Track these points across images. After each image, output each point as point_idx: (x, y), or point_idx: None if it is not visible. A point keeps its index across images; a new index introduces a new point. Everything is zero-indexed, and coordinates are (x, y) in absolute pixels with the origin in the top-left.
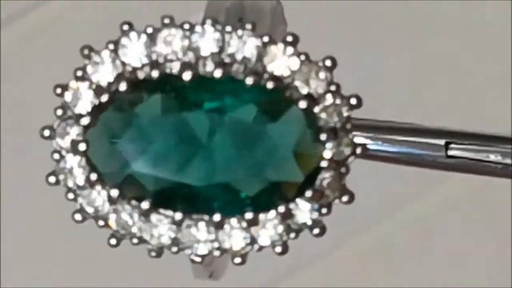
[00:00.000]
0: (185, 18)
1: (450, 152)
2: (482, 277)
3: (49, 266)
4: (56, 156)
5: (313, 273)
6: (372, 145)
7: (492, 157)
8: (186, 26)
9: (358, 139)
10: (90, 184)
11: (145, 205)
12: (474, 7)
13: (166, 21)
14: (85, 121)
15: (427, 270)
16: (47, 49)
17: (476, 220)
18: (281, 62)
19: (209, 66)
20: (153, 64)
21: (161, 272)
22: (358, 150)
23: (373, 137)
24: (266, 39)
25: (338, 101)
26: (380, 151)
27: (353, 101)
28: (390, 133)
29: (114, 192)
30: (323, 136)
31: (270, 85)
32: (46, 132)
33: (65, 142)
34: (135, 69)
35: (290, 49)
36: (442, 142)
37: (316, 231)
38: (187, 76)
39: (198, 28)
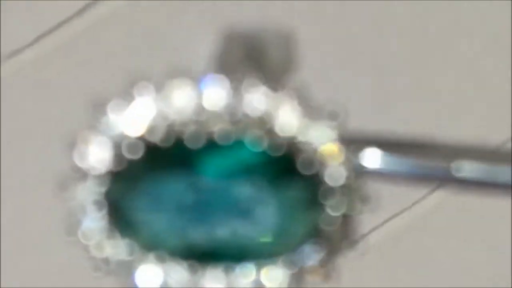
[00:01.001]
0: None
1: (459, 174)
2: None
3: (49, 265)
4: None
5: None
6: (381, 165)
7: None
8: (197, 88)
9: (370, 155)
10: None
11: None
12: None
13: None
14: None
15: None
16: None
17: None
18: (292, 125)
19: (219, 134)
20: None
21: None
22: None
23: (383, 155)
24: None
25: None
26: (389, 171)
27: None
28: (400, 152)
29: None
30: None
31: (277, 152)
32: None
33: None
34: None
35: (299, 111)
36: (451, 162)
37: None
38: (198, 144)
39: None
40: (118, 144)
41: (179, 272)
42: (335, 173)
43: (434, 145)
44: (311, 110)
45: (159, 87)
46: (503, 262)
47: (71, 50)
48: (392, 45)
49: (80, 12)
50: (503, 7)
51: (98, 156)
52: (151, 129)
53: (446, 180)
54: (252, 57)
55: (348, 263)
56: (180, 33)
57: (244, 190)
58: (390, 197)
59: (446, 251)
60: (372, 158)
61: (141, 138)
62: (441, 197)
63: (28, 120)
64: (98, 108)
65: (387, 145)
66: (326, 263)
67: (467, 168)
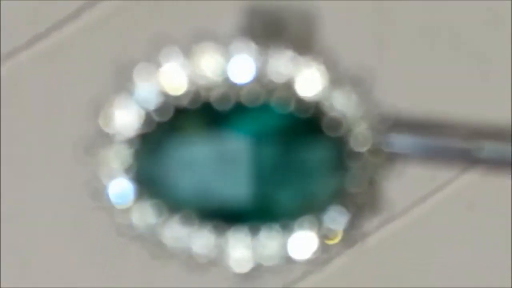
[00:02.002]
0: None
1: (480, 155)
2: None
3: (49, 266)
4: None
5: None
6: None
7: None
8: (224, 53)
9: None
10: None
11: None
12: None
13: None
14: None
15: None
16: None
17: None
18: (314, 89)
19: (246, 96)
20: (194, 93)
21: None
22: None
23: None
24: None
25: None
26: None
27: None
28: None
29: None
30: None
31: (302, 113)
32: None
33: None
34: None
35: (323, 76)
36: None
37: None
38: (226, 106)
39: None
40: (146, 107)
41: (204, 234)
42: (360, 136)
43: (455, 126)
44: (336, 75)
45: (186, 52)
46: (504, 261)
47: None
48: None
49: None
50: None
51: (125, 119)
52: (179, 92)
53: (468, 161)
54: (273, 33)
55: (351, 261)
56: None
57: (271, 151)
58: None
59: (447, 251)
60: (395, 140)
61: (169, 101)
62: (445, 195)
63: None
64: (124, 73)
65: (408, 126)
66: (351, 227)
67: (489, 149)
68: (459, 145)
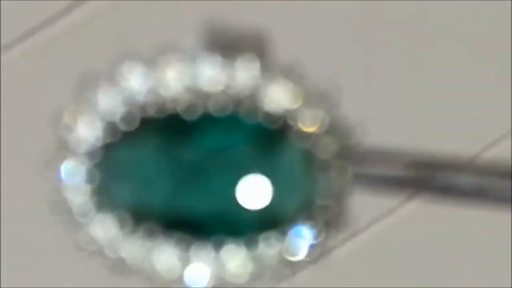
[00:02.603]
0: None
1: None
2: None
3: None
4: None
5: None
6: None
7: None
8: (189, 63)
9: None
10: None
11: None
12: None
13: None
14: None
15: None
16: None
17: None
18: (281, 101)
19: (214, 106)
20: (158, 104)
21: None
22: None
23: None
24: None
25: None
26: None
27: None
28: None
29: None
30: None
31: (270, 124)
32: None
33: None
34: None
35: (289, 87)
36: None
37: None
38: (194, 116)
39: (201, 65)
40: (111, 117)
41: (168, 247)
42: (327, 147)
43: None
44: (303, 89)
45: (150, 65)
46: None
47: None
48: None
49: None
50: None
51: (88, 128)
52: (145, 102)
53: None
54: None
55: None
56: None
57: (238, 161)
58: (364, 206)
59: (412, 264)
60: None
61: (135, 111)
62: (416, 206)
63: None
64: (88, 84)
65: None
66: (317, 242)
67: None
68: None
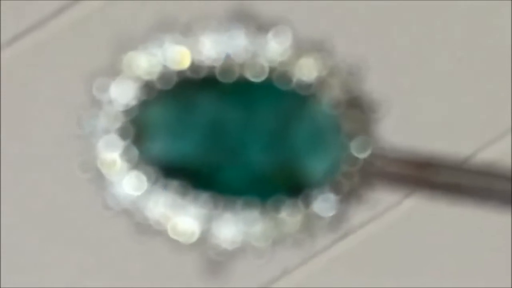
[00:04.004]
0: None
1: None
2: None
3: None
4: None
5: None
6: None
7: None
8: (223, 33)
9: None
10: None
11: None
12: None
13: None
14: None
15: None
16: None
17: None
18: (312, 71)
19: (249, 70)
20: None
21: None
22: None
23: None
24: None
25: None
26: None
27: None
28: None
29: None
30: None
31: (302, 91)
32: None
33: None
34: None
35: (319, 59)
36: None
37: None
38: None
39: (234, 34)
40: (148, 76)
41: (194, 206)
42: (353, 116)
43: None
44: (332, 61)
45: (186, 31)
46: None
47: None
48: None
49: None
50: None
51: (124, 87)
52: (183, 66)
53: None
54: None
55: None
56: None
57: (270, 125)
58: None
59: (417, 258)
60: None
61: (172, 71)
62: (412, 204)
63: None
64: (125, 46)
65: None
66: (339, 209)
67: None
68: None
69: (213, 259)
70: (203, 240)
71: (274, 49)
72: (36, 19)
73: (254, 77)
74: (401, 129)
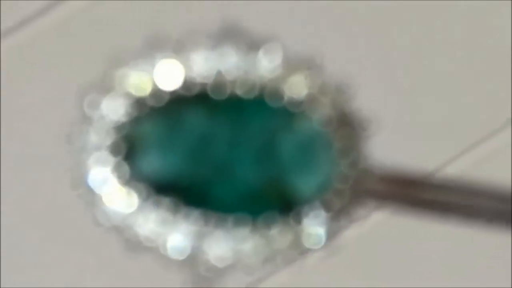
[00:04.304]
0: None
1: None
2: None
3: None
4: None
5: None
6: None
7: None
8: (214, 50)
9: None
10: None
11: None
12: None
13: (196, 43)
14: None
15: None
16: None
17: None
18: (302, 89)
19: (240, 88)
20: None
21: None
22: None
23: None
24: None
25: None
26: None
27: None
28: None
29: None
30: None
31: (293, 108)
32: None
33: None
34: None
35: (309, 76)
36: None
37: None
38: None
39: (225, 51)
40: (140, 93)
41: (184, 223)
42: (344, 134)
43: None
44: (322, 78)
45: (178, 48)
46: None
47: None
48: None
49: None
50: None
51: (115, 104)
52: (172, 81)
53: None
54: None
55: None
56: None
57: (260, 140)
58: None
59: (386, 269)
60: None
61: (164, 89)
62: (382, 217)
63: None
64: (117, 62)
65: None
66: (330, 226)
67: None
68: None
69: (203, 275)
70: (194, 257)
71: (265, 66)
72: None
73: (245, 94)
74: (400, 129)
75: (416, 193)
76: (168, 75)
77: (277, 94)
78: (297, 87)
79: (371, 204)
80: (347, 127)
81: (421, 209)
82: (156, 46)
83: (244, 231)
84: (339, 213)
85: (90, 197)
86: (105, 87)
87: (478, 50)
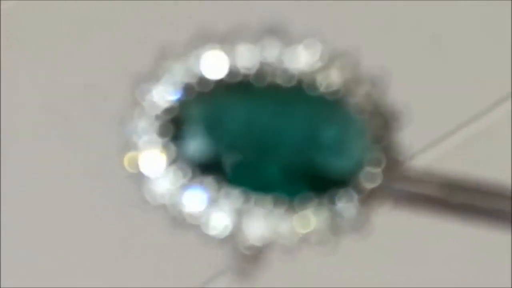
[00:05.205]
0: None
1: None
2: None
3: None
4: None
5: None
6: None
7: None
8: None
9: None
10: None
11: None
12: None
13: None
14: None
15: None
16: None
17: None
18: (338, 79)
19: (280, 78)
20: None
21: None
22: None
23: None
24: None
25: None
26: None
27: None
28: None
29: None
30: None
31: (329, 97)
32: None
33: None
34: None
35: (345, 68)
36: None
37: None
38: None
39: (268, 44)
40: (189, 79)
41: (231, 198)
42: (376, 121)
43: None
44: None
45: (222, 40)
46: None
47: None
48: None
49: None
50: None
51: (165, 90)
52: (217, 70)
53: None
54: None
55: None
56: None
57: (298, 125)
58: None
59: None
60: None
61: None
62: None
63: None
64: (167, 54)
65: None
66: (361, 210)
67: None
68: None
69: (243, 254)
70: (234, 236)
71: (304, 59)
72: None
73: (285, 83)
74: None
75: (446, 196)
76: (214, 65)
77: (314, 83)
78: (333, 78)
79: (401, 207)
80: (380, 117)
81: (449, 212)
82: (204, 39)
83: (281, 211)
84: (370, 197)
85: (138, 176)
86: (154, 76)
87: None
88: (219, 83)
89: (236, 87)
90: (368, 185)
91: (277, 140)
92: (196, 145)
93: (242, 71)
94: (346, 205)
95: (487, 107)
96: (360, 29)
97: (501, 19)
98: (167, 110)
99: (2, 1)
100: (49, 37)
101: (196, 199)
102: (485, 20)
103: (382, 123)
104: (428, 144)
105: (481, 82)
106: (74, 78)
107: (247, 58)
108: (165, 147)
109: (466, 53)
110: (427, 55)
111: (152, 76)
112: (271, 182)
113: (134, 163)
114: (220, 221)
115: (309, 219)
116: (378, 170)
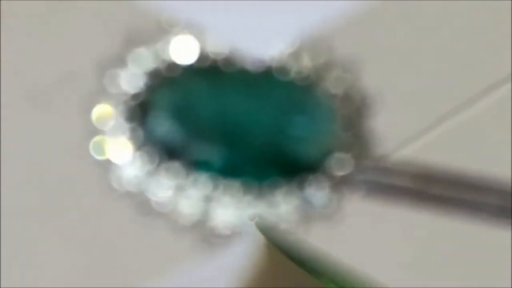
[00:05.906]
0: None
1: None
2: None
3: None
4: None
5: None
6: None
7: None
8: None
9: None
10: None
11: None
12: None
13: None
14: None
15: None
16: None
17: None
18: (308, 65)
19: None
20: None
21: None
22: None
23: None
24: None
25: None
26: None
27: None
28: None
29: None
30: None
31: (299, 82)
32: None
33: None
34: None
35: (317, 54)
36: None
37: None
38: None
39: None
40: (156, 64)
41: (199, 184)
42: (348, 106)
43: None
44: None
45: (192, 26)
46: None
47: None
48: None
49: None
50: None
51: (132, 74)
52: (187, 55)
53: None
54: None
55: None
56: None
57: (268, 110)
58: None
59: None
60: None
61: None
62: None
63: None
64: (133, 39)
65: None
66: (332, 196)
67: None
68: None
69: (210, 241)
70: (202, 223)
71: (275, 46)
72: None
73: (254, 68)
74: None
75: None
76: (183, 50)
77: (284, 68)
78: (303, 63)
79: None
80: (351, 102)
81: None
82: (172, 24)
83: (250, 197)
84: (341, 183)
85: (105, 163)
86: (121, 61)
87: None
88: (188, 69)
89: (205, 72)
90: (339, 172)
91: (246, 126)
92: (164, 130)
93: (212, 56)
94: (316, 192)
95: (468, 99)
96: (334, 13)
97: (484, 10)
98: (135, 96)
99: None
100: (15, 20)
101: (163, 186)
102: (468, 9)
103: (353, 109)
104: (411, 136)
105: (462, 74)
106: (42, 63)
107: (217, 44)
108: (132, 133)
109: (448, 44)
110: (407, 45)
111: (120, 61)
112: (240, 167)
113: (101, 149)
114: (188, 208)
115: (278, 204)
116: (347, 156)
